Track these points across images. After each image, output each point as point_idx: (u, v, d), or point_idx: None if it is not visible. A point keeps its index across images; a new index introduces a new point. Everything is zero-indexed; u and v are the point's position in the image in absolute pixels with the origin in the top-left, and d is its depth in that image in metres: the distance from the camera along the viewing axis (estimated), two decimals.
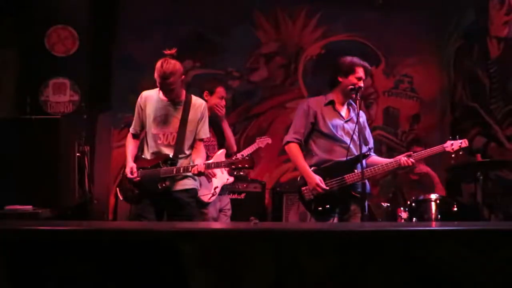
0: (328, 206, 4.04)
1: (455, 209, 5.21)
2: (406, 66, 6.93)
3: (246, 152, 5.12)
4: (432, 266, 2.49)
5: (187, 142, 4.01)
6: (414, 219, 5.12)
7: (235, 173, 4.72)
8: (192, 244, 2.45)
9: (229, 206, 4.89)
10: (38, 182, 4.31)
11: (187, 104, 4.01)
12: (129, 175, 3.97)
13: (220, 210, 4.77)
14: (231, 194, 5.51)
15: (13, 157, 4.32)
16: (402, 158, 4.07)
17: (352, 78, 4.11)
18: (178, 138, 3.96)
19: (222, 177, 4.72)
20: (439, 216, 5.10)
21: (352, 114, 4.20)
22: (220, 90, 4.79)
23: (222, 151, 4.78)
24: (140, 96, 4.08)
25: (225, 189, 4.83)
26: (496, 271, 2.50)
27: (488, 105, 6.84)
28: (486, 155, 6.39)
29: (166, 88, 3.90)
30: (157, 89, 3.99)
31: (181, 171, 3.92)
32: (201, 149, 4.08)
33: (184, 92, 4.05)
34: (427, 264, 2.50)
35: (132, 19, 6.50)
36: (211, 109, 4.74)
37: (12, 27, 6.03)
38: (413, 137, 6.69)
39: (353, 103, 4.23)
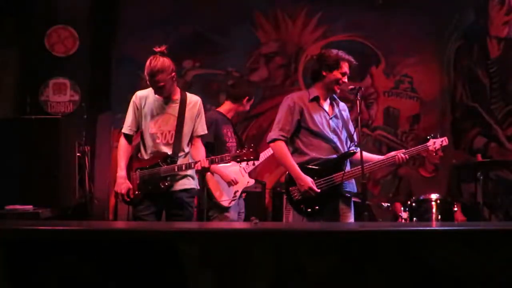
0: (317, 207, 3.90)
1: (455, 209, 5.22)
2: (406, 66, 6.92)
3: (266, 154, 5.08)
4: (432, 266, 2.49)
5: (185, 140, 3.96)
6: (414, 219, 5.12)
7: (239, 165, 4.72)
8: (192, 244, 2.45)
9: (243, 209, 4.91)
10: (38, 182, 4.31)
11: (183, 101, 3.95)
12: (126, 198, 3.90)
13: (238, 213, 4.81)
14: None
15: (13, 157, 4.32)
16: (399, 155, 3.93)
17: (336, 73, 3.94)
18: (176, 136, 3.91)
19: (243, 181, 4.75)
20: (439, 216, 5.10)
21: (336, 110, 4.08)
22: (252, 99, 4.93)
23: None
24: (135, 95, 4.01)
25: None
26: (496, 271, 2.50)
27: (488, 105, 6.84)
28: (486, 155, 6.39)
29: (156, 86, 3.84)
30: (151, 88, 3.94)
31: (184, 169, 3.87)
32: (199, 146, 4.03)
33: (178, 90, 3.99)
34: (427, 264, 2.49)
35: (132, 19, 6.50)
36: (238, 112, 4.88)
37: (12, 27, 6.04)
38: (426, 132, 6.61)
39: (336, 98, 4.11)
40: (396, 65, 6.92)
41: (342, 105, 4.15)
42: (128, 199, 3.91)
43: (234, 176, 4.60)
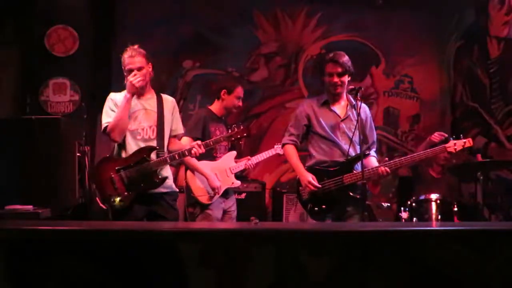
0: (324, 206, 4.03)
1: (455, 209, 5.21)
2: (406, 66, 6.92)
3: (262, 157, 5.08)
4: (432, 266, 2.49)
5: (166, 135, 3.92)
6: (414, 219, 5.12)
7: (229, 166, 4.74)
8: (192, 244, 2.45)
9: (234, 208, 4.88)
10: (38, 182, 4.30)
11: (159, 98, 3.96)
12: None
13: (225, 212, 4.77)
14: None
15: (13, 157, 4.32)
16: (381, 168, 3.96)
17: (326, 77, 4.11)
18: (158, 130, 3.87)
19: (226, 180, 4.72)
20: (439, 216, 5.10)
21: (350, 113, 4.14)
22: (239, 91, 4.79)
23: (232, 153, 4.78)
24: (113, 96, 3.92)
25: (230, 191, 4.83)
26: (496, 271, 2.50)
27: (488, 105, 6.84)
28: (486, 155, 6.38)
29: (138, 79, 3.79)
30: (125, 91, 3.87)
31: (177, 158, 3.81)
32: (178, 142, 4.05)
33: (149, 86, 3.97)
34: (427, 264, 2.50)
35: (132, 19, 6.50)
36: (226, 109, 4.77)
37: (12, 27, 6.04)
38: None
39: (352, 100, 4.17)
40: (396, 65, 6.92)
41: (362, 107, 4.15)
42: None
43: (217, 172, 4.62)
